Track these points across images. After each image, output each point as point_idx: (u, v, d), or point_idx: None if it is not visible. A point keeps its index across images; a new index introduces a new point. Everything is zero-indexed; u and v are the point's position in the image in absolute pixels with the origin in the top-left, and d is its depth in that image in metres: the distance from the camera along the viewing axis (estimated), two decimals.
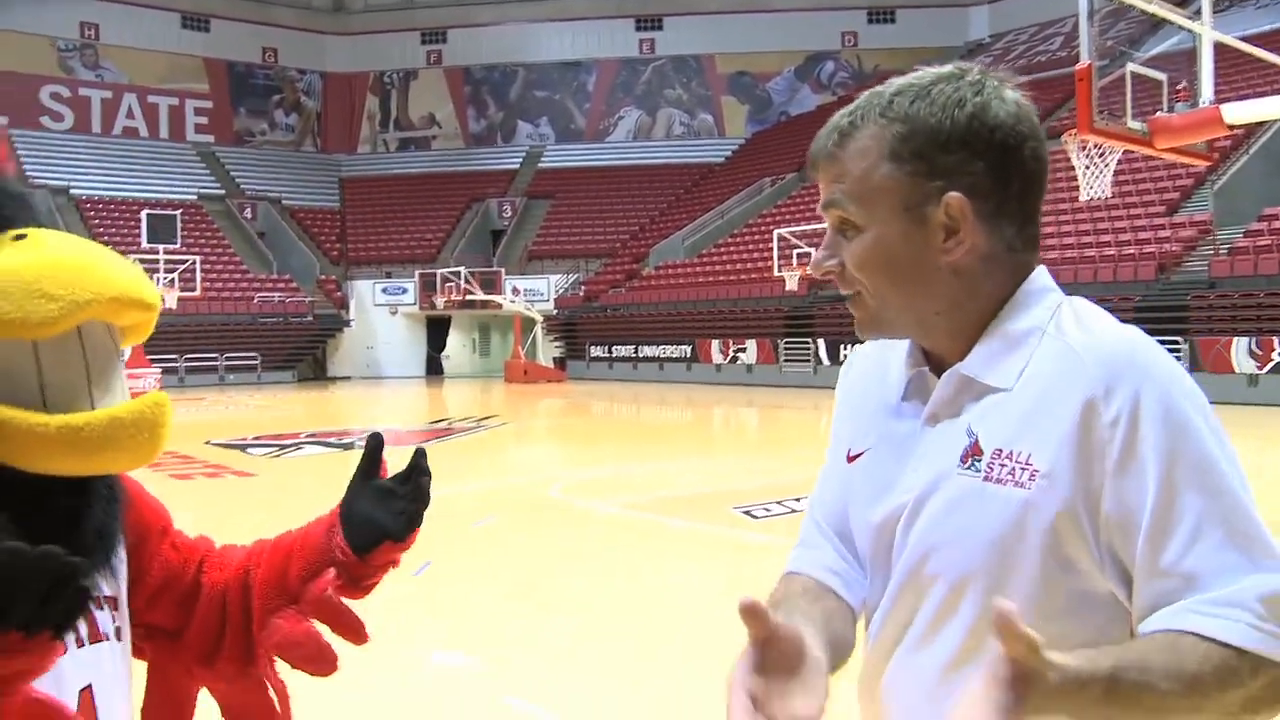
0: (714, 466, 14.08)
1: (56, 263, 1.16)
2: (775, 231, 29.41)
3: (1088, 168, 12.23)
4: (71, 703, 1.16)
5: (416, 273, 42.02)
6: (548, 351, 38.71)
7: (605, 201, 48.98)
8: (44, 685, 1.06)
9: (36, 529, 1.09)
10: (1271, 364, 21.15)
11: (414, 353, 42.95)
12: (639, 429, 21.61)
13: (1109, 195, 13.38)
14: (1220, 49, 10.24)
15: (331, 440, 17.19)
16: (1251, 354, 21.30)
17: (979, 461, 1.22)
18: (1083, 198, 13.12)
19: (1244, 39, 12.86)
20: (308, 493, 11.12)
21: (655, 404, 26.52)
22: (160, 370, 30.13)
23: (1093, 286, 23.92)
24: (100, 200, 43.88)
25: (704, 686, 5.26)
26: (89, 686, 1.21)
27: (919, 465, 1.29)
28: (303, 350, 40.58)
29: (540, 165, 53.06)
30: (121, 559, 1.32)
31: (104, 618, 1.26)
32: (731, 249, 39.19)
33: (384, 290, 43.20)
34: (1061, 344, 1.20)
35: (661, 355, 35.60)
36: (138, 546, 1.38)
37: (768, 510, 9.86)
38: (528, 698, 5.13)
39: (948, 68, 1.28)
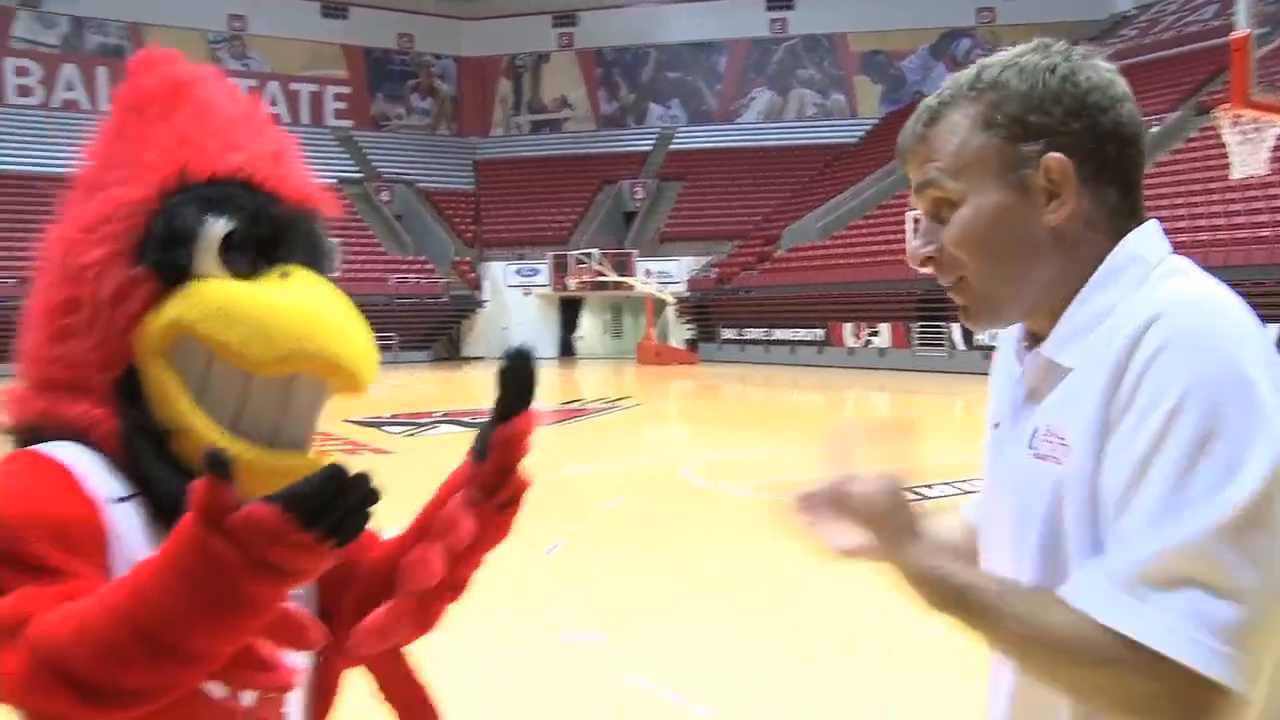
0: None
1: (296, 311, 1.27)
2: (908, 213, 28.90)
3: (1241, 143, 11.74)
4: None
5: (549, 254, 42.39)
6: (679, 333, 38.76)
7: (737, 183, 48.78)
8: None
9: None
10: None
11: (547, 333, 43.33)
12: (770, 412, 21.53)
13: (1265, 172, 12.83)
14: None
15: (466, 420, 17.44)
16: None
17: (1035, 440, 1.22)
18: (1234, 175, 12.61)
19: None
20: (443, 470, 11.32)
21: (787, 387, 26.39)
22: None
23: (1245, 270, 22.80)
24: None
25: (833, 669, 5.21)
26: None
27: (1007, 445, 1.30)
28: (438, 330, 41.42)
29: (672, 147, 53.09)
30: None
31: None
32: (865, 230, 38.67)
33: (517, 272, 43.70)
34: (1122, 316, 1.14)
35: (793, 338, 35.36)
36: None
37: None
38: (651, 677, 5.15)
39: (1034, 42, 1.26)
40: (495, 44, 56.10)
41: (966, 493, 9.80)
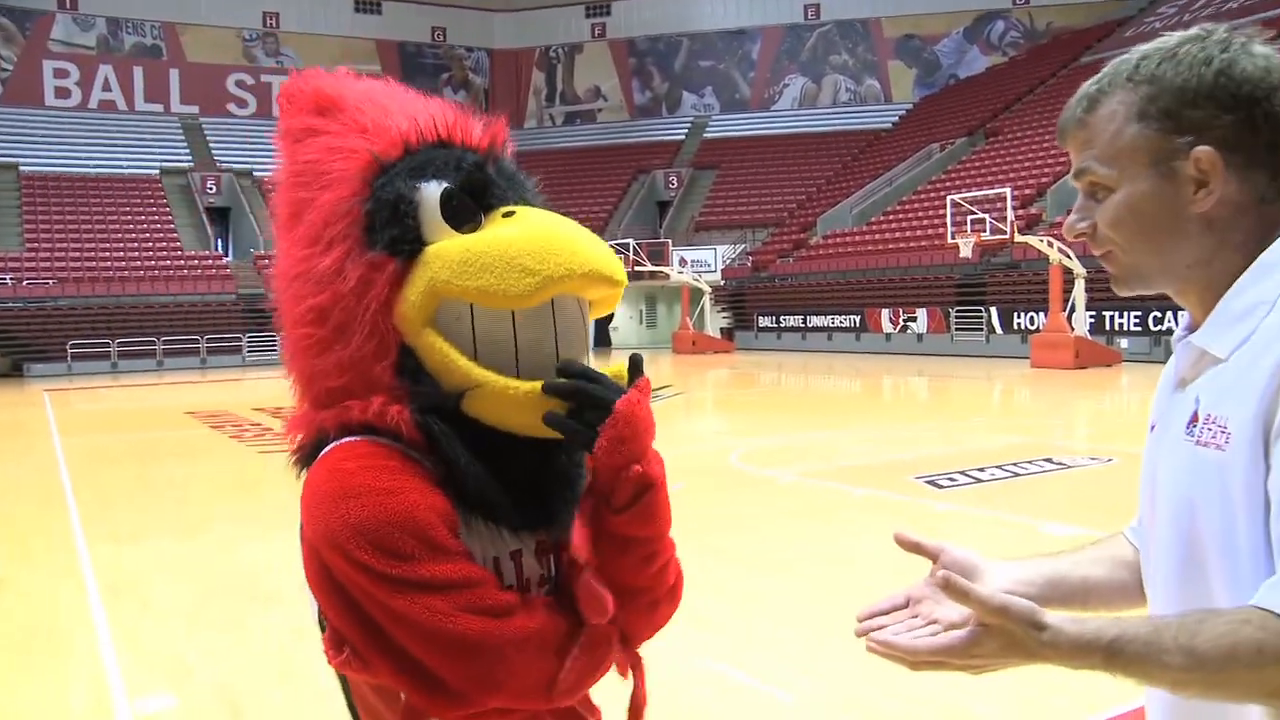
0: (890, 436, 14.01)
1: (535, 238, 1.33)
2: (949, 197, 28.81)
3: None
4: None
5: None
6: (715, 322, 38.77)
7: (771, 171, 48.68)
8: None
9: (506, 481, 1.34)
10: None
11: None
12: (811, 399, 21.58)
13: None
14: None
15: None
16: None
17: (1195, 427, 1.27)
18: None
19: None
20: None
21: (825, 374, 26.43)
22: None
23: None
24: None
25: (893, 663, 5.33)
26: None
27: (1164, 432, 1.37)
28: None
29: (705, 135, 53.03)
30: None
31: (535, 564, 1.42)
32: (900, 216, 38.55)
33: None
34: (1278, 315, 1.21)
35: (830, 325, 35.35)
36: None
37: (952, 480, 9.83)
38: (726, 659, 5.27)
39: (1194, 30, 1.31)
40: (528, 35, 56.18)
41: (1016, 475, 9.95)
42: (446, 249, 1.33)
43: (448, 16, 55.49)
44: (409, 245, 1.34)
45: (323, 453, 1.33)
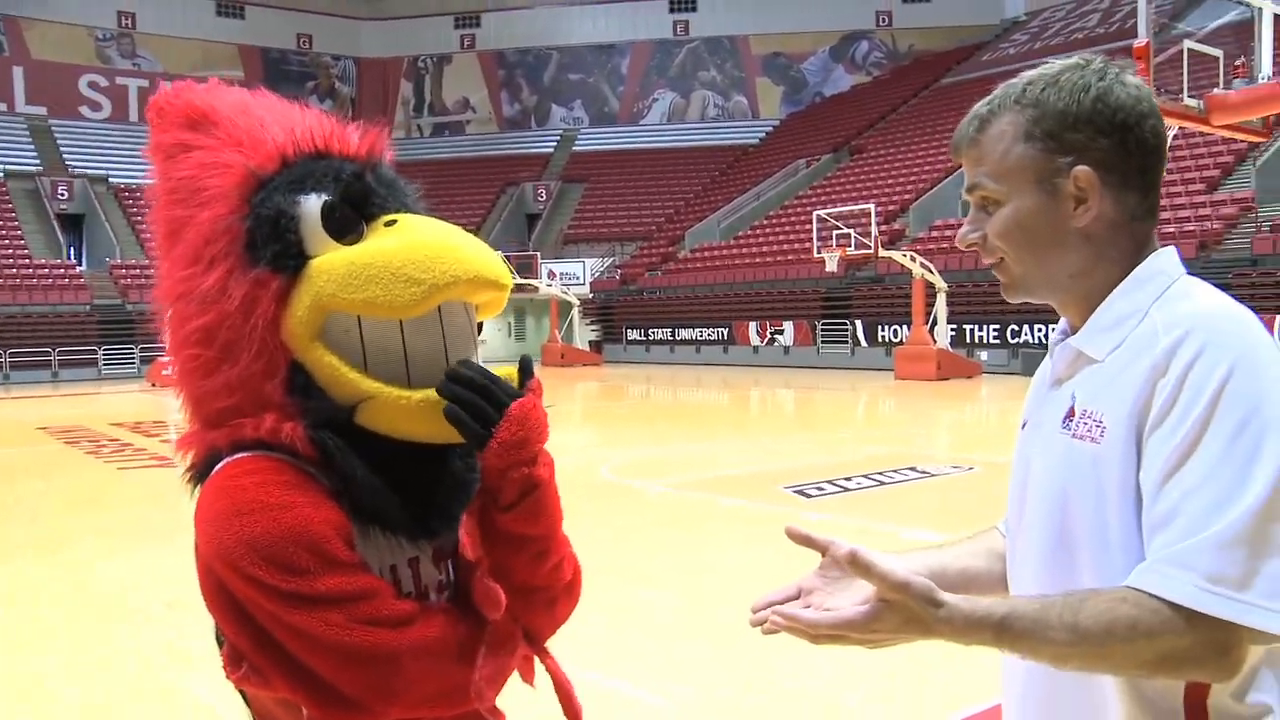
0: (759, 447, 14.13)
1: (419, 247, 1.33)
2: (815, 212, 29.33)
3: None
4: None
5: None
6: (584, 335, 38.77)
7: (640, 184, 48.99)
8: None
9: (402, 490, 1.34)
10: None
11: None
12: (680, 411, 21.70)
13: None
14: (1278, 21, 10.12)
15: None
16: None
17: (1071, 421, 1.37)
18: None
19: None
20: None
21: (693, 386, 26.61)
22: None
23: None
24: (140, 188, 44.05)
25: (763, 660, 5.34)
26: None
27: (1037, 429, 1.47)
28: None
29: (575, 149, 53.12)
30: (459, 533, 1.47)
31: (433, 570, 1.43)
32: (767, 231, 39.13)
33: None
34: (1151, 323, 1.32)
35: (698, 338, 35.66)
36: None
37: (820, 490, 9.93)
38: (598, 668, 5.23)
39: (1074, 59, 1.42)
40: (396, 45, 55.59)
41: (882, 484, 10.11)
42: (330, 262, 1.32)
43: (314, 23, 54.56)
44: (292, 260, 1.32)
45: (215, 469, 1.31)
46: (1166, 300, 1.34)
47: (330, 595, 1.21)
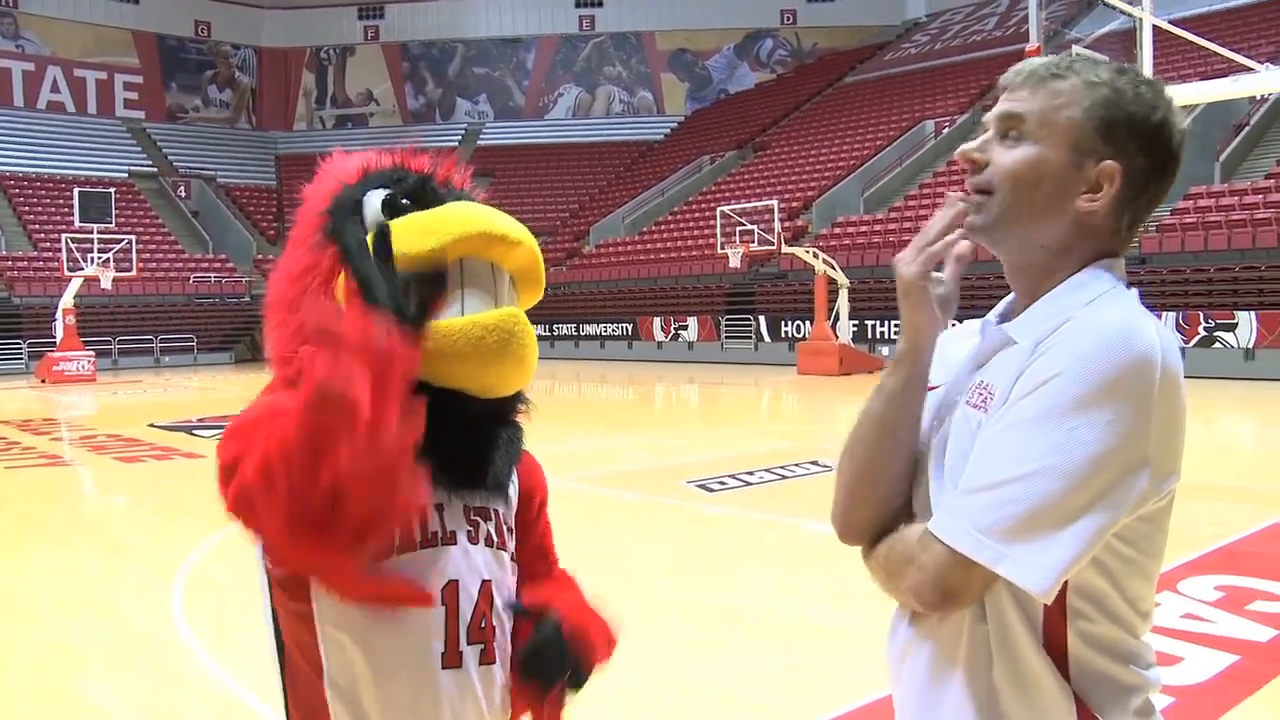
0: (663, 442, 14.21)
1: (443, 211, 1.59)
2: (718, 209, 29.53)
3: None
4: (438, 590, 1.58)
5: None
6: None
7: (545, 179, 48.90)
8: (423, 567, 1.57)
9: (451, 455, 1.55)
10: (1197, 338, 21.87)
11: None
12: (584, 406, 21.69)
13: None
14: (1160, 30, 10.46)
15: None
16: (1179, 328, 21.90)
17: (972, 393, 1.46)
18: None
19: (1180, 21, 13.14)
20: None
21: (598, 382, 26.61)
22: (94, 353, 29.68)
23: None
24: (26, 177, 42.73)
25: (667, 654, 5.39)
26: (454, 581, 1.60)
27: (944, 405, 1.54)
28: (240, 331, 39.82)
29: (479, 143, 52.80)
30: (512, 493, 1.76)
31: (488, 528, 1.68)
32: (672, 227, 39.30)
33: None
34: (1071, 325, 1.36)
35: (603, 333, 35.70)
36: (527, 498, 1.85)
37: (723, 484, 10.01)
38: None
39: (1143, 73, 1.49)
40: (298, 35, 54.69)
41: (784, 477, 10.22)
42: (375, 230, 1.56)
43: (213, 11, 53.42)
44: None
45: None
46: (1093, 307, 1.39)
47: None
